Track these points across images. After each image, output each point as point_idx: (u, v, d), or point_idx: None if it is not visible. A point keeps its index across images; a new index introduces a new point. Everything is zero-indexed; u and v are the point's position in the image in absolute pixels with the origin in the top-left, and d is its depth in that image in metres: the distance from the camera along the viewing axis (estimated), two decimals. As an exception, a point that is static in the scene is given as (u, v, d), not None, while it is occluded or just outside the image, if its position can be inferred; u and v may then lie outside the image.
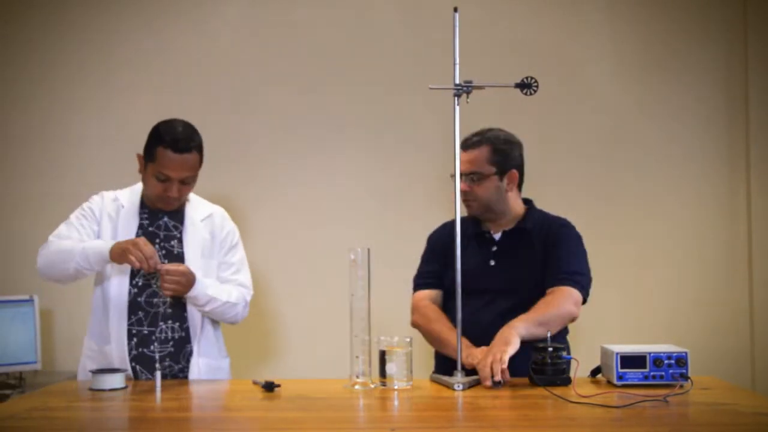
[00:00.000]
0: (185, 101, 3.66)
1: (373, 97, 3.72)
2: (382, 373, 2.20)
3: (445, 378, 2.24)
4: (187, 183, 2.45)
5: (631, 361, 2.12)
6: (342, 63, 3.74)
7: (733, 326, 3.65)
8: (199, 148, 2.46)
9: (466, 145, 2.51)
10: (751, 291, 3.65)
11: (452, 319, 2.37)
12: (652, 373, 2.10)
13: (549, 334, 2.23)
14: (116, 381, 2.22)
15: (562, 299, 2.39)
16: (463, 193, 2.47)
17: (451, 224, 2.62)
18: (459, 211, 2.33)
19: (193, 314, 2.51)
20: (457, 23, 2.32)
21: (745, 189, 3.68)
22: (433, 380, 2.31)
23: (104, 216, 2.49)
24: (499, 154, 2.51)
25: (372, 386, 2.19)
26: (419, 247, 2.75)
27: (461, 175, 2.42)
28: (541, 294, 2.42)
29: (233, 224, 2.67)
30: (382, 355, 2.20)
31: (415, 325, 2.58)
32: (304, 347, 3.59)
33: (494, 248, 2.53)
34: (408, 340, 2.23)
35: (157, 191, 2.43)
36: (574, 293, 2.42)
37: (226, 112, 3.74)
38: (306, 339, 3.59)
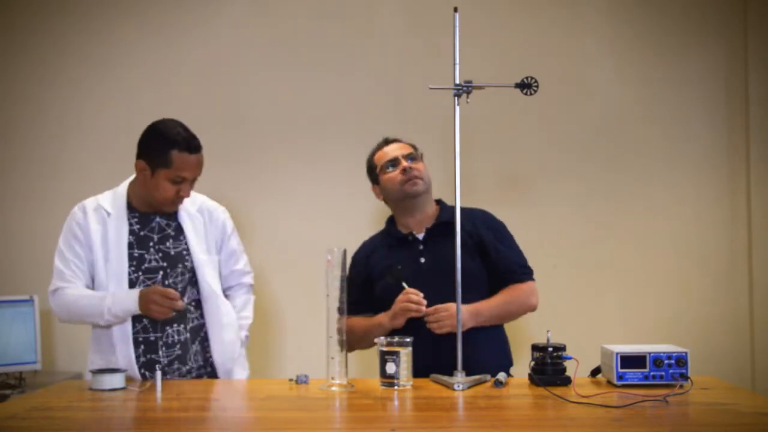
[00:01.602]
0: (185, 101, 3.66)
1: (373, 97, 3.71)
2: (383, 373, 2.20)
3: (445, 378, 2.24)
4: (195, 180, 2.48)
5: (631, 361, 2.12)
6: (342, 63, 3.74)
7: (733, 326, 3.65)
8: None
9: (392, 139, 2.67)
10: (751, 291, 3.64)
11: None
12: (652, 373, 2.10)
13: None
14: (116, 381, 2.22)
15: (526, 295, 2.53)
16: (409, 170, 2.55)
17: (368, 242, 2.71)
18: (459, 211, 2.33)
19: (211, 312, 2.52)
20: (457, 23, 2.33)
21: (745, 189, 3.67)
22: (433, 380, 2.31)
23: (91, 231, 2.45)
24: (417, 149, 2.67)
25: (350, 387, 2.19)
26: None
27: (398, 158, 2.58)
28: (475, 281, 2.48)
29: (223, 209, 2.67)
30: (383, 355, 2.20)
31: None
32: (301, 347, 3.58)
33: (421, 247, 2.56)
34: (408, 340, 2.23)
35: (171, 194, 2.42)
36: (534, 286, 2.57)
37: (224, 112, 3.74)
38: (304, 338, 3.58)
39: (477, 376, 2.26)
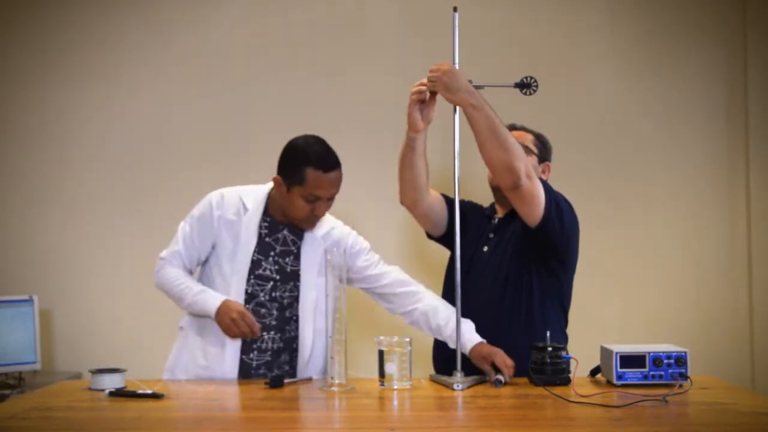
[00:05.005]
0: (186, 99, 3.67)
1: (372, 98, 3.71)
2: (382, 373, 2.20)
3: (445, 378, 2.25)
4: (332, 199, 2.42)
5: (630, 360, 2.12)
6: (341, 63, 3.74)
7: (733, 326, 3.65)
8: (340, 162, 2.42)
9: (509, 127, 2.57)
10: (751, 291, 3.64)
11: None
12: (651, 373, 2.11)
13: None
14: (116, 381, 2.22)
15: (523, 161, 2.30)
16: None
17: (480, 205, 2.73)
18: (458, 211, 2.33)
19: (306, 333, 2.46)
20: (457, 23, 2.33)
21: (745, 189, 3.67)
22: (433, 380, 2.31)
23: (222, 224, 2.44)
24: (542, 143, 2.71)
25: (350, 387, 2.19)
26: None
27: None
28: (515, 280, 2.44)
29: (354, 233, 2.58)
30: (381, 354, 2.20)
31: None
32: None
33: (491, 235, 2.57)
34: (407, 340, 2.23)
35: (306, 212, 2.38)
36: (535, 190, 2.33)
37: (226, 111, 3.74)
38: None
39: (476, 376, 2.26)
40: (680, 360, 2.11)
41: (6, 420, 1.85)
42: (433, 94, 2.41)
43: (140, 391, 2.13)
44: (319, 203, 2.38)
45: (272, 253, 2.45)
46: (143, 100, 3.73)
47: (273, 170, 3.73)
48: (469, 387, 2.19)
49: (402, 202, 2.61)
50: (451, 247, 2.59)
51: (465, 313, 2.30)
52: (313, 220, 2.43)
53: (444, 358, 2.45)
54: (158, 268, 2.50)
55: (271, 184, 2.50)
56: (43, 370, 3.50)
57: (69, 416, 1.93)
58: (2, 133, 3.77)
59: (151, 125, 3.74)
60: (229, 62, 3.75)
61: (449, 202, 2.61)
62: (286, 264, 2.47)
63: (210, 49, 3.76)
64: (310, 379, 2.36)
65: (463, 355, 2.28)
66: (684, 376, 2.09)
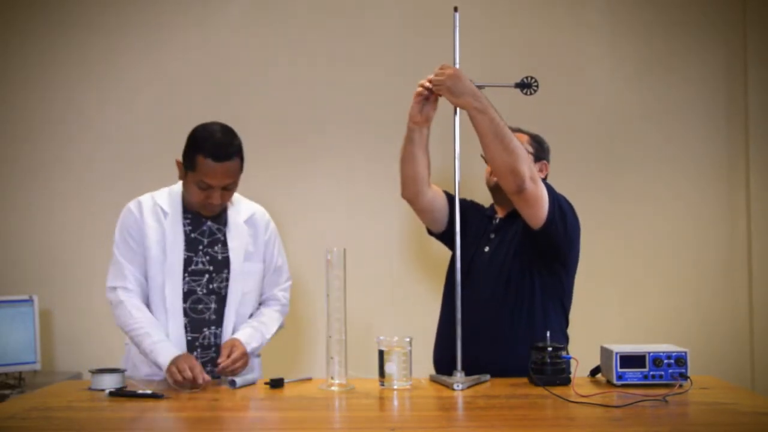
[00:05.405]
0: (187, 99, 3.67)
1: (372, 98, 3.71)
2: (381, 372, 2.20)
3: (445, 378, 2.25)
4: (229, 189, 2.42)
5: (630, 360, 2.12)
6: (342, 63, 3.74)
7: (733, 326, 3.65)
8: (240, 153, 2.40)
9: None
10: (751, 291, 3.64)
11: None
12: (651, 373, 2.11)
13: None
14: (116, 381, 2.22)
15: (527, 163, 2.30)
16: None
17: (479, 205, 2.74)
18: (458, 211, 2.33)
19: (230, 318, 2.47)
20: (457, 23, 2.33)
21: (745, 189, 3.68)
22: (433, 380, 2.31)
23: (147, 228, 2.42)
24: (537, 143, 2.71)
25: (350, 387, 2.19)
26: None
27: None
28: (515, 282, 2.44)
29: (274, 224, 2.64)
30: (381, 354, 2.20)
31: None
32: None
33: (492, 235, 2.56)
34: (407, 339, 2.23)
35: (199, 199, 2.40)
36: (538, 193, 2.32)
37: (225, 111, 3.73)
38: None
39: (476, 376, 2.26)
40: (680, 360, 2.11)
41: (6, 420, 1.85)
42: (435, 93, 2.41)
43: (140, 391, 2.13)
44: (212, 191, 2.38)
45: (201, 247, 2.46)
46: (143, 100, 3.72)
47: (273, 169, 3.76)
48: (469, 387, 2.19)
49: (403, 196, 2.62)
50: (451, 246, 2.59)
51: (465, 313, 2.30)
52: (209, 207, 2.42)
53: (444, 358, 2.45)
54: (114, 302, 2.41)
55: (181, 182, 2.50)
56: (43, 370, 3.50)
57: (69, 416, 1.93)
58: (2, 133, 3.77)
59: (151, 125, 3.74)
60: (229, 62, 3.75)
61: (451, 199, 2.60)
62: (216, 252, 2.48)
63: (210, 49, 3.76)
64: (310, 379, 2.36)
65: (463, 355, 2.28)
66: (684, 376, 2.09)
